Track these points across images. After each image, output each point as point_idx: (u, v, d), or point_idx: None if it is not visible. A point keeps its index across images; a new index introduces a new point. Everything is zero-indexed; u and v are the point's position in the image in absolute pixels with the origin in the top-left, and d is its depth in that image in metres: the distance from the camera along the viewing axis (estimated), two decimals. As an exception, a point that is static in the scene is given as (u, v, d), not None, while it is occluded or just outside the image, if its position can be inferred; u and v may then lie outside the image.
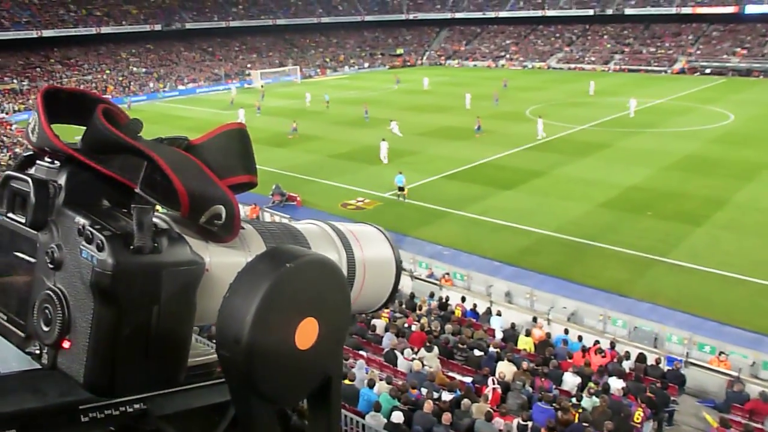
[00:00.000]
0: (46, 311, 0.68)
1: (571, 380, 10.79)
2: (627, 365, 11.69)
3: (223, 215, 0.72)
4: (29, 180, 0.70)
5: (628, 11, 68.75)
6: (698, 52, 61.06)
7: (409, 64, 73.18)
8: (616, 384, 10.40)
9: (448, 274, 16.41)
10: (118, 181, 0.70)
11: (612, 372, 11.04)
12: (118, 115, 0.72)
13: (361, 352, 11.81)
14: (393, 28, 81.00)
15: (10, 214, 0.73)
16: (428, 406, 8.91)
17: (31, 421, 0.67)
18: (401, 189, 22.63)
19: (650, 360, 11.95)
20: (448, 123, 34.77)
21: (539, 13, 74.21)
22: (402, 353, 11.33)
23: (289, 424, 0.91)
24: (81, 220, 0.66)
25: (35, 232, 0.71)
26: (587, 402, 9.80)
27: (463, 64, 71.25)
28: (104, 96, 0.77)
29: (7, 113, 43.67)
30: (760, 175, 24.59)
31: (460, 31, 78.99)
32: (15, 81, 51.30)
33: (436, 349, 11.45)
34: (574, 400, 9.85)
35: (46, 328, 0.68)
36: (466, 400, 9.34)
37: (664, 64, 60.56)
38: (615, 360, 11.82)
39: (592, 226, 19.74)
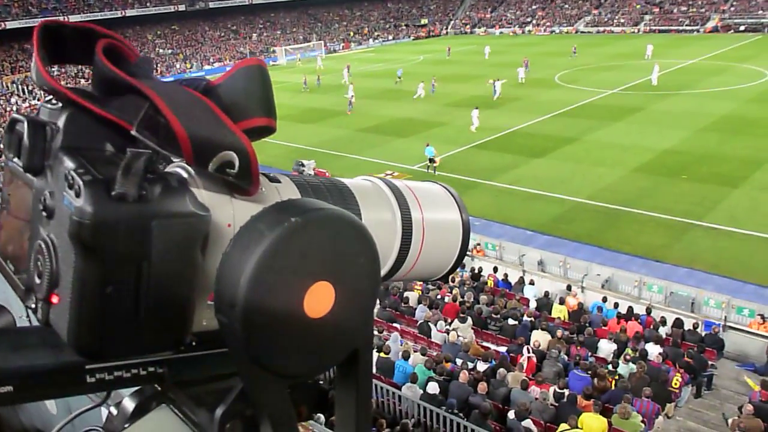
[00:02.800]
0: (38, 263, 0.62)
1: (606, 347, 10.72)
2: (664, 331, 11.56)
3: (236, 163, 0.64)
4: (24, 121, 0.64)
5: (659, -31, 66.72)
6: (732, 8, 59.07)
7: (433, 34, 72.28)
8: (653, 350, 10.30)
9: (479, 244, 16.33)
10: (119, 124, 0.63)
11: (648, 338, 10.93)
12: (124, 52, 0.66)
13: (395, 325, 11.88)
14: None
15: (15, 159, 0.66)
16: (464, 376, 8.95)
17: (29, 379, 0.62)
18: (432, 161, 22.29)
19: (687, 325, 11.80)
20: (478, 92, 34.33)
21: (566, -25, 72.45)
22: (435, 325, 11.37)
23: (327, 399, 0.83)
24: (68, 164, 0.59)
25: (32, 178, 0.65)
26: (624, 369, 9.73)
27: (489, 32, 70.10)
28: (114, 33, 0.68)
29: (38, 99, 44.39)
30: (800, 132, 23.87)
31: (486, -3, 77.68)
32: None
33: (469, 320, 11.46)
34: (610, 367, 9.80)
35: (38, 281, 0.62)
36: (501, 370, 9.36)
37: (697, 23, 58.77)
38: (651, 326, 11.71)
39: (627, 191, 19.41)
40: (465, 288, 13.52)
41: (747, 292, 13.38)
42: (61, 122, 0.63)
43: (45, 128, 0.63)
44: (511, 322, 11.60)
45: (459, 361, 9.82)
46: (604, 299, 13.03)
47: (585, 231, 17.08)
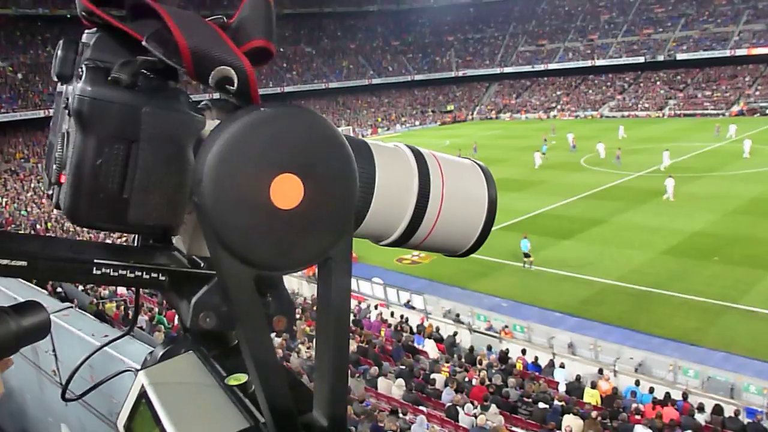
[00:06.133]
0: (55, 153, 0.71)
1: (642, 434, 10.26)
2: (702, 418, 11.07)
3: (235, 79, 0.69)
4: (62, 41, 0.75)
5: (680, 56, 67.89)
6: (757, 93, 59.55)
7: (459, 119, 73.84)
8: (691, 438, 9.83)
9: (507, 326, 16.06)
10: (136, 38, 0.70)
11: (686, 425, 10.46)
12: None
13: (420, 408, 11.57)
14: (443, 85, 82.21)
15: (55, 77, 0.77)
16: (492, 462, 8.60)
17: (42, 261, 0.70)
18: (527, 255, 20.68)
19: (728, 412, 11.28)
20: (504, 175, 34.61)
21: (588, 63, 74.07)
22: (463, 408, 11.04)
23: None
24: (84, 63, 0.69)
25: (63, 86, 0.75)
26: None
27: (515, 117, 71.39)
28: None
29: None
30: (833, 215, 23.47)
31: (510, 84, 79.48)
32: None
33: (493, 406, 11.09)
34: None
35: (54, 167, 0.71)
36: (531, 456, 8.98)
37: (721, 107, 59.22)
38: (688, 413, 11.22)
39: (657, 273, 19.09)
40: (493, 371, 13.20)
41: (789, 378, 12.83)
42: (91, 41, 0.73)
43: (77, 44, 0.74)
44: (541, 406, 11.23)
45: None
46: (637, 383, 12.60)
47: (615, 313, 16.72)
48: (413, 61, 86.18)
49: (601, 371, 13.21)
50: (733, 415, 11.14)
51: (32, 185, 41.90)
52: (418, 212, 0.89)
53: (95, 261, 0.72)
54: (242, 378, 0.87)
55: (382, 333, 15.72)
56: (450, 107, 77.37)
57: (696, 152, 36.76)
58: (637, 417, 11.16)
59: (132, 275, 0.74)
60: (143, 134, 0.69)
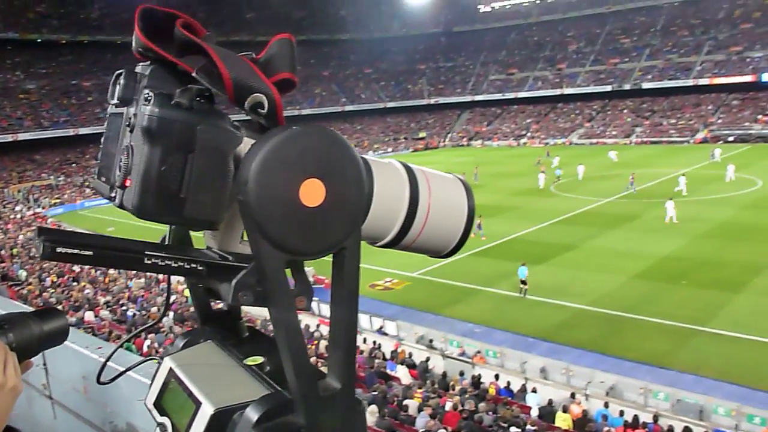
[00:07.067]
0: (120, 162, 0.87)
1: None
2: (673, 440, 11.10)
3: (266, 104, 0.87)
4: (123, 71, 0.92)
5: (646, 85, 69.62)
6: (719, 121, 61.18)
7: (431, 146, 74.42)
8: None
9: (480, 352, 16.02)
10: (186, 70, 0.87)
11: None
12: (196, 26, 0.90)
13: (394, 435, 11.41)
14: (415, 112, 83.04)
15: (113, 101, 0.92)
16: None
17: (106, 251, 0.85)
18: (524, 282, 20.17)
19: (698, 434, 11.34)
20: (477, 200, 34.73)
21: (558, 91, 75.57)
22: (436, 434, 10.92)
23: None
24: (147, 90, 0.85)
25: (124, 108, 0.91)
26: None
27: (486, 144, 72.19)
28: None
29: (43, 207, 45.06)
30: (797, 238, 23.99)
31: (481, 112, 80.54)
32: (52, 177, 53.33)
33: None
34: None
35: (119, 174, 0.86)
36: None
37: (686, 135, 60.64)
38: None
39: (628, 297, 19.26)
40: (466, 396, 13.10)
41: (757, 399, 12.95)
42: (147, 72, 0.90)
43: (136, 74, 0.91)
44: (514, 430, 11.15)
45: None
46: (606, 405, 12.62)
47: (587, 337, 16.79)
48: (386, 88, 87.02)
49: (573, 395, 13.20)
50: (703, 437, 11.20)
51: (-3, 212, 41.06)
52: (409, 218, 1.08)
53: (146, 252, 0.87)
54: (259, 359, 1.06)
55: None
56: (422, 134, 78.04)
57: (663, 178, 37.43)
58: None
59: (176, 265, 0.90)
60: (197, 146, 0.85)
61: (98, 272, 23.28)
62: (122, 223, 27.16)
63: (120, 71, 0.93)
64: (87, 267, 23.29)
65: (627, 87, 70.79)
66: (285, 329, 0.91)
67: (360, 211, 0.95)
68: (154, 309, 18.00)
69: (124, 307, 18.69)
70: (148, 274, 23.15)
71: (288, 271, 0.94)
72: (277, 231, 0.85)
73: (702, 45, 70.85)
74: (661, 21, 77.64)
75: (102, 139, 0.99)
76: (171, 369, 1.05)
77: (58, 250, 0.81)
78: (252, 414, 0.92)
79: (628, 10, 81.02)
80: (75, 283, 21.63)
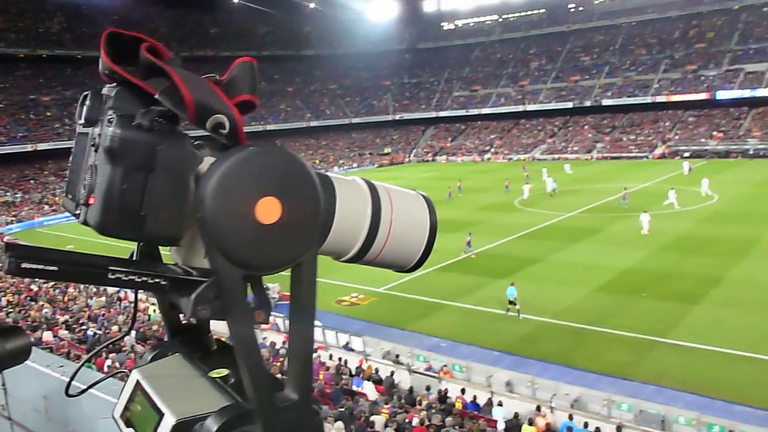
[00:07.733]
0: (85, 180, 0.89)
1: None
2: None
3: (227, 125, 0.88)
4: (89, 92, 0.95)
5: (606, 102, 71.23)
6: (676, 137, 62.83)
7: (397, 162, 74.74)
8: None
9: (446, 366, 16.05)
10: (149, 92, 0.88)
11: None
12: (161, 49, 0.93)
13: (360, 452, 11.33)
14: (380, 128, 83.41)
15: (80, 121, 0.96)
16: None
17: (71, 267, 0.87)
18: (512, 303, 19.56)
19: (661, 444, 11.51)
20: (441, 215, 34.87)
21: (520, 108, 76.74)
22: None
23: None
24: (110, 111, 0.88)
25: (89, 128, 0.94)
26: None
27: (450, 160, 72.79)
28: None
29: (0, 225, 43.89)
30: (753, 250, 24.71)
31: (446, 128, 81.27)
32: (9, 194, 52.00)
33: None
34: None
35: (83, 192, 0.89)
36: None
37: (645, 150, 62.12)
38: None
39: (591, 310, 19.54)
40: (433, 411, 13.09)
41: (717, 408, 13.23)
42: (112, 93, 0.92)
43: (102, 95, 0.94)
44: (480, 445, 11.17)
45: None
46: (571, 417, 12.74)
47: (552, 350, 16.97)
48: (351, 104, 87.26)
49: (538, 408, 13.29)
50: (665, 447, 11.38)
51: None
52: (371, 233, 1.10)
53: (110, 267, 0.89)
54: (224, 372, 1.07)
55: (321, 376, 15.43)
56: (387, 150, 78.38)
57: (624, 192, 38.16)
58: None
59: (139, 280, 0.91)
60: (158, 166, 0.87)
61: (57, 290, 22.74)
62: (82, 240, 26.61)
63: (86, 93, 0.96)
64: (45, 286, 22.82)
65: (588, 103, 72.30)
66: (242, 342, 0.93)
67: (315, 227, 0.96)
68: (114, 328, 17.62)
69: (84, 327, 18.26)
70: (109, 292, 22.86)
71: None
72: (234, 247, 0.87)
73: (659, 63, 72.85)
74: (620, 40, 79.66)
75: (70, 158, 1.01)
76: (138, 381, 1.08)
77: (23, 265, 0.82)
78: (212, 424, 0.93)
79: (587, 29, 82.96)
80: (33, 303, 21.07)
